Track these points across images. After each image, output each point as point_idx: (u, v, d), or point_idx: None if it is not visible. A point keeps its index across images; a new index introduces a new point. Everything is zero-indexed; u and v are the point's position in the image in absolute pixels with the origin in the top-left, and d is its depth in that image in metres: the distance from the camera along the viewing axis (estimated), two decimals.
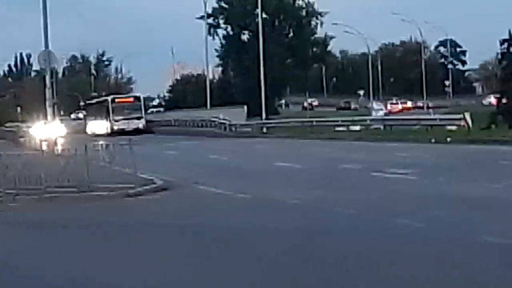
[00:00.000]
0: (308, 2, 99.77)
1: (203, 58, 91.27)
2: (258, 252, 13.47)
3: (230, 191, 22.96)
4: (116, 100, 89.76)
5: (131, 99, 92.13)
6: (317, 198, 20.39)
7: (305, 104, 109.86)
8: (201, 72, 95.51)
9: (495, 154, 31.21)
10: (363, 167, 28.44)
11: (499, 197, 18.82)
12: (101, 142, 30.40)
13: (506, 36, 59.76)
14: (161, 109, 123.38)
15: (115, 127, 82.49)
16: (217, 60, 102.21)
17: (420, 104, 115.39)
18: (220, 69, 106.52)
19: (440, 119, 53.57)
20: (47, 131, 44.67)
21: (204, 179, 26.55)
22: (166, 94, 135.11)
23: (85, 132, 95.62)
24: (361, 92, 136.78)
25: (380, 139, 47.71)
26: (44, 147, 34.91)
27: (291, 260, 12.41)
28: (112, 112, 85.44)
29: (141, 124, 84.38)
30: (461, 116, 49.10)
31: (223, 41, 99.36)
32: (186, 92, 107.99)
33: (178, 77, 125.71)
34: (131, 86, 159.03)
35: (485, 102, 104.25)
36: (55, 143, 37.96)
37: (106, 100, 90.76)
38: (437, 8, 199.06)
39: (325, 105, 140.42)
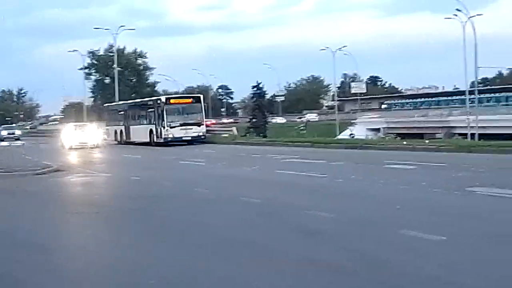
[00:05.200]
0: (144, 61, 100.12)
1: (83, 92, 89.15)
2: (113, 209, 13.50)
3: (98, 171, 22.79)
4: (171, 100, 44.49)
5: (190, 100, 46.16)
6: (150, 175, 20.38)
7: None
8: (81, 100, 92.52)
9: (249, 151, 31.70)
10: (175, 158, 28.45)
11: (252, 175, 19.36)
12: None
13: (255, 84, 61.42)
14: (57, 122, 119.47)
15: (170, 135, 40.93)
16: (91, 94, 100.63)
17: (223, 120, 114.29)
18: (92, 99, 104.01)
19: (220, 130, 53.85)
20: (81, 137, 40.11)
21: (83, 164, 26.21)
22: (60, 114, 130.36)
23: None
24: None
25: None
26: None
27: (138, 214, 12.42)
28: (166, 117, 41.68)
29: (201, 131, 42.69)
30: (231, 129, 49.95)
31: (94, 83, 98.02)
32: (72, 112, 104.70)
33: (67, 103, 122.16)
34: (38, 108, 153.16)
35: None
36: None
37: (158, 100, 44.34)
38: (214, 65, 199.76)
39: None
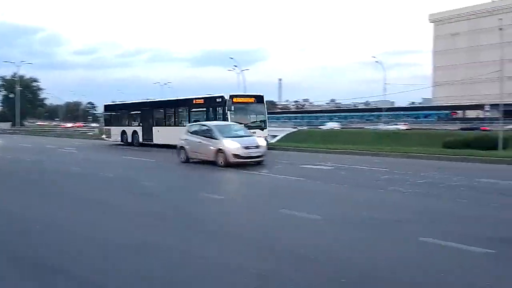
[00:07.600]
0: (37, 84, 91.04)
1: None
2: (29, 176, 11.88)
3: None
4: (234, 99, 18.20)
5: (252, 99, 18.84)
6: (43, 159, 17.93)
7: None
8: None
9: (112, 144, 29.55)
10: (56, 147, 25.14)
11: (108, 159, 17.92)
12: None
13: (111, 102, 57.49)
14: None
15: None
16: (0, 104, 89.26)
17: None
18: (1, 108, 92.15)
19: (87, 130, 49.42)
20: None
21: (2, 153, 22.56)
22: None
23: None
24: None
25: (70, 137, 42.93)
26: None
27: (38, 180, 11.12)
28: (229, 117, 17.46)
29: (263, 136, 16.87)
30: (94, 130, 46.16)
31: (3, 97, 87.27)
32: None
33: None
34: None
35: None
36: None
37: (218, 98, 18.64)
38: (86, 89, 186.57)
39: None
